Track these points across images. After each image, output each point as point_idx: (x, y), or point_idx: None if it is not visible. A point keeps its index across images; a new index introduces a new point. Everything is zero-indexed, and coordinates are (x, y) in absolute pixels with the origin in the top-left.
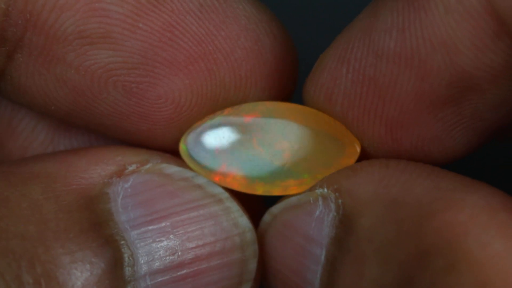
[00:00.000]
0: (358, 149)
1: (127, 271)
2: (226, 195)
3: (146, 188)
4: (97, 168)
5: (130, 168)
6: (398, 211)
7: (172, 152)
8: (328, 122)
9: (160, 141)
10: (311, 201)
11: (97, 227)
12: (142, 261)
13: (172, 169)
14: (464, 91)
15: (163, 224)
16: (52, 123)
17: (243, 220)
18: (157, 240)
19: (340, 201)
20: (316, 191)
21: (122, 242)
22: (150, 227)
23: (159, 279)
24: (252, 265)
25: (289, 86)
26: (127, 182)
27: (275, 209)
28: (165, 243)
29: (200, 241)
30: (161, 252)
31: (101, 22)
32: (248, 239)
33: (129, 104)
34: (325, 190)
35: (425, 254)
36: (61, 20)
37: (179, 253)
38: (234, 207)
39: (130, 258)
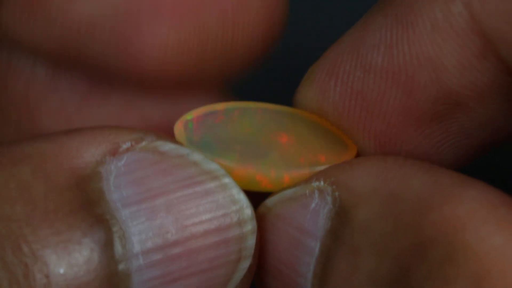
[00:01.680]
0: (355, 152)
1: (119, 250)
2: (222, 171)
3: (140, 166)
4: (90, 147)
5: (124, 146)
6: (395, 205)
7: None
8: (329, 125)
9: (154, 82)
10: (307, 194)
11: (88, 206)
12: (135, 240)
13: (167, 146)
14: (451, 109)
15: (156, 202)
16: (50, 60)
17: (241, 197)
18: (150, 218)
19: (336, 193)
20: (313, 184)
21: (113, 221)
22: (143, 205)
23: (153, 258)
24: (251, 241)
25: (277, 35)
26: (120, 160)
27: (270, 201)
28: (158, 221)
29: (195, 219)
30: (154, 230)
31: None
32: (246, 215)
33: (117, 50)
34: (322, 183)
35: (421, 246)
36: None
37: (174, 231)
38: (231, 183)
39: (122, 237)
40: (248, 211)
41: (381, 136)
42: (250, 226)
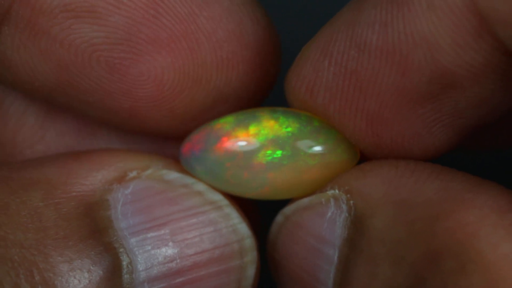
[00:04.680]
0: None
1: (126, 278)
2: (225, 202)
3: (146, 195)
4: (98, 174)
5: (131, 174)
6: (408, 212)
7: (156, 132)
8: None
9: (143, 120)
10: (323, 202)
11: (97, 234)
12: (141, 268)
13: (172, 175)
14: (445, 88)
15: (162, 232)
16: (41, 107)
17: (242, 227)
18: (156, 247)
19: (352, 202)
20: (328, 192)
21: (121, 249)
22: (149, 234)
23: (158, 286)
24: (251, 271)
25: (271, 71)
26: (127, 188)
27: (288, 210)
28: (164, 250)
29: (199, 248)
30: (159, 259)
31: None
32: (247, 245)
33: (112, 80)
34: (336, 191)
35: (435, 255)
36: None
37: (178, 260)
38: (233, 213)
39: (129, 265)
40: (249, 241)
41: (373, 116)
42: (251, 257)
